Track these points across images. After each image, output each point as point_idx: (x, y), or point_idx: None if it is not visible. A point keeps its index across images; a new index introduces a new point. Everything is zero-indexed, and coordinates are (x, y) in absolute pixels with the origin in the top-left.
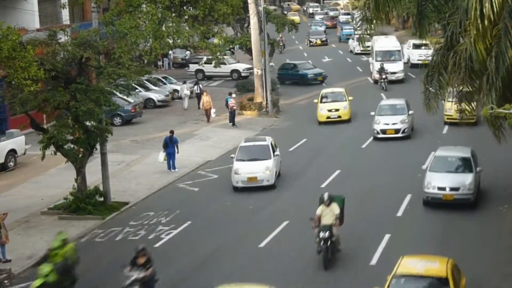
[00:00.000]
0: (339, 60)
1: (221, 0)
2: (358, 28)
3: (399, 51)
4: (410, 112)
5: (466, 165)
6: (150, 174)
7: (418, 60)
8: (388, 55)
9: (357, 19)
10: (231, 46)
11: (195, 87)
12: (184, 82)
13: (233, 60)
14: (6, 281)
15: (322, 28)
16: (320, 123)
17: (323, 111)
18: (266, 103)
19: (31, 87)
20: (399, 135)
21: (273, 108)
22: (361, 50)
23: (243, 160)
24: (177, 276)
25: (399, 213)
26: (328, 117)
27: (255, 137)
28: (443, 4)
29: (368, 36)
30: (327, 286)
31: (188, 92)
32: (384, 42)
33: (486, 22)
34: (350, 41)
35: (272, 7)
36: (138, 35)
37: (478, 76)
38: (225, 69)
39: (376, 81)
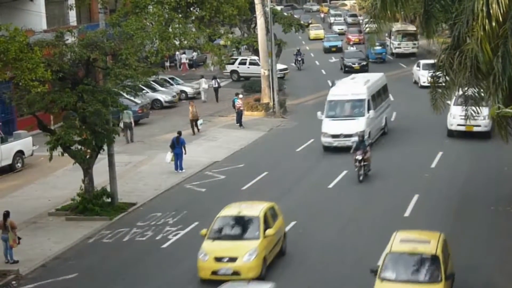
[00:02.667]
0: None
1: (227, 1)
2: (367, 29)
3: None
4: None
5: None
6: (157, 175)
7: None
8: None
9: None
10: (237, 47)
11: (213, 81)
12: (202, 77)
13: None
14: (14, 282)
15: (354, 48)
16: None
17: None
18: (273, 104)
19: (38, 88)
20: None
21: (280, 108)
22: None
23: None
24: (185, 277)
25: (407, 214)
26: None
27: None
28: (450, 4)
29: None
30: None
31: (206, 86)
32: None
33: (493, 23)
34: (415, 68)
35: (279, 7)
36: (144, 37)
37: (485, 76)
38: (257, 70)
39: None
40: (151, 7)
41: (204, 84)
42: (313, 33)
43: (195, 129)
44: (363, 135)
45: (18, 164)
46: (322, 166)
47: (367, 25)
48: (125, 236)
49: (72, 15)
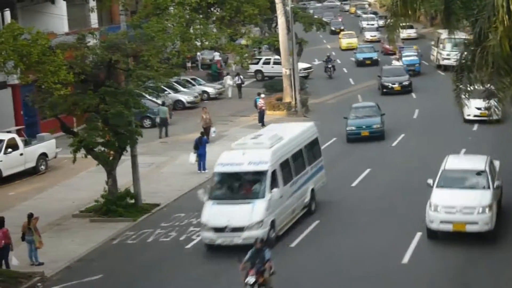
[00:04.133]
0: None
1: (247, 1)
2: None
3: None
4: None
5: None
6: (180, 176)
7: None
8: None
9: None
10: (258, 46)
11: (236, 77)
12: (227, 74)
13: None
14: (39, 284)
15: (400, 62)
16: None
17: None
18: (295, 103)
19: (61, 91)
20: None
21: (302, 107)
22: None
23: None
24: (209, 277)
25: None
26: None
27: None
28: (471, 0)
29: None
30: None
31: (231, 83)
32: None
33: None
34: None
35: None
36: (165, 38)
37: (508, 72)
38: (281, 69)
39: None
40: (172, 8)
41: (229, 80)
42: (345, 42)
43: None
44: (262, 239)
45: (42, 167)
46: (344, 164)
47: (387, 23)
48: (149, 237)
49: (94, 17)
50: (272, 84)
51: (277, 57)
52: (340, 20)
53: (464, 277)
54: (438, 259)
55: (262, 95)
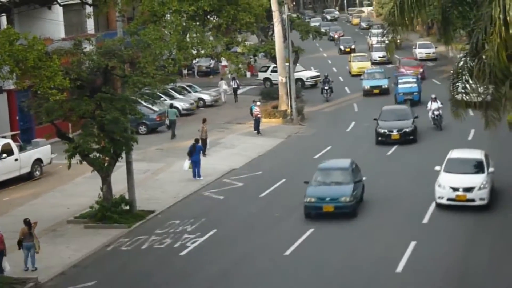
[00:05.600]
0: None
1: (244, 9)
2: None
3: None
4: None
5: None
6: (176, 183)
7: None
8: None
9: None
10: (255, 54)
11: (232, 82)
12: (222, 79)
13: (301, 67)
14: None
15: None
16: None
17: None
18: (291, 111)
19: (57, 97)
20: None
21: (298, 115)
22: None
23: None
24: (203, 284)
25: (425, 220)
26: None
27: None
28: (468, 10)
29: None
30: None
31: (226, 87)
32: None
33: (511, 31)
34: None
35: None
36: (162, 46)
37: (503, 82)
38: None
39: None
40: (169, 15)
41: (224, 85)
42: (356, 66)
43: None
44: None
45: (37, 172)
46: None
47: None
48: (143, 243)
49: (90, 23)
50: (268, 92)
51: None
52: (350, 37)
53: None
54: (433, 267)
55: (258, 103)
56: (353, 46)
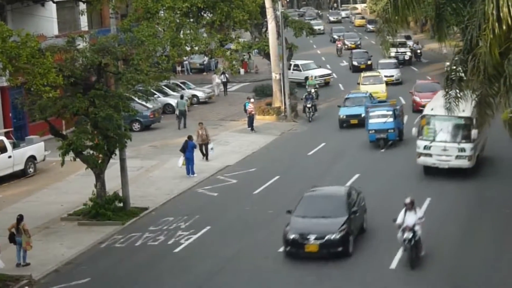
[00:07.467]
0: None
1: (237, 6)
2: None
3: None
4: None
5: None
6: (169, 180)
7: None
8: None
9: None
10: (248, 51)
11: (222, 76)
12: (215, 73)
13: (315, 65)
14: (27, 287)
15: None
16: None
17: None
18: (285, 108)
19: (50, 94)
20: None
21: (292, 112)
22: None
23: None
24: (197, 281)
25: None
26: None
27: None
28: (462, 7)
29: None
30: None
31: (218, 81)
32: None
33: (504, 27)
34: None
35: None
36: (156, 43)
37: (497, 79)
38: (299, 75)
39: None
40: (162, 12)
41: (217, 79)
42: (367, 90)
43: (204, 155)
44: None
45: (30, 170)
46: (334, 170)
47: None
48: (137, 240)
49: (84, 20)
50: (262, 89)
51: (296, 62)
52: (366, 51)
53: (453, 279)
54: (426, 264)
55: (252, 100)
56: (369, 62)
